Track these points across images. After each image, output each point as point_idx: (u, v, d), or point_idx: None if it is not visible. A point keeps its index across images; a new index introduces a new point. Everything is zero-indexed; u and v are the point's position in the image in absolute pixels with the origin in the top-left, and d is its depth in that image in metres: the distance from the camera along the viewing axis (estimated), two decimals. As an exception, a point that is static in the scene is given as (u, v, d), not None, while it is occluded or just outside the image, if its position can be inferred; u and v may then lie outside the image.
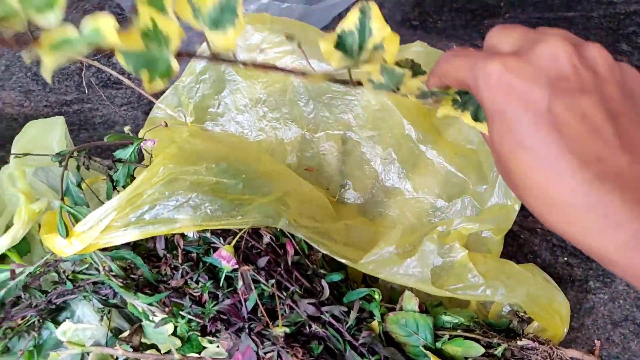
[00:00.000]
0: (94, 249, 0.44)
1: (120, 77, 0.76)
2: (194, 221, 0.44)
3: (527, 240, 0.68)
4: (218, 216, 0.44)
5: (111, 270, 0.48)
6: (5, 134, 0.78)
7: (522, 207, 0.59)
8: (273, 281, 0.46)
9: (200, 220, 0.44)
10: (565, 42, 0.27)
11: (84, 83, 0.80)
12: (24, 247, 0.54)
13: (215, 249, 0.49)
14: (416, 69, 0.35)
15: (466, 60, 0.30)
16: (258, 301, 0.45)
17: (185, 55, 0.31)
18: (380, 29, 0.34)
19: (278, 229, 0.50)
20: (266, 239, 0.50)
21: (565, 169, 0.26)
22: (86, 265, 0.51)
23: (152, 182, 0.44)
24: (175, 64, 0.30)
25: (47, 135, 0.55)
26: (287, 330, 0.44)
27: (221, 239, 0.48)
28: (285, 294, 0.47)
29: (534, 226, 0.69)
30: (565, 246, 0.68)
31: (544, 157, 0.26)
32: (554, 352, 0.49)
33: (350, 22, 0.34)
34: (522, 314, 0.51)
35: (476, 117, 0.33)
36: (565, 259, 0.67)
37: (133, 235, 0.43)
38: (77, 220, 0.45)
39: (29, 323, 0.49)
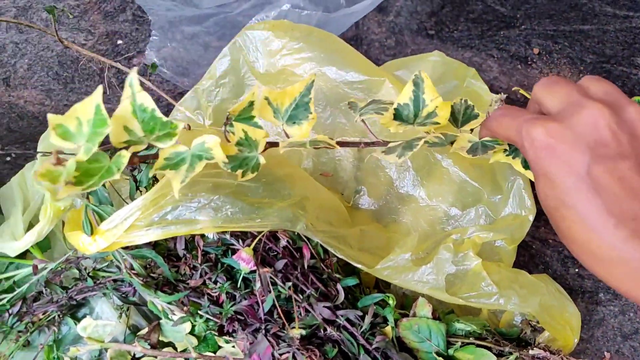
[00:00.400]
0: (117, 247, 0.45)
1: (142, 78, 0.77)
2: (214, 223, 0.45)
3: (539, 250, 0.69)
4: (238, 218, 0.45)
5: (132, 269, 0.49)
6: (26, 132, 0.80)
7: (535, 218, 0.60)
8: (290, 284, 0.47)
9: (221, 222, 0.45)
10: (604, 109, 0.30)
11: (105, 83, 0.81)
12: (45, 244, 0.55)
13: (234, 251, 0.50)
14: (469, 111, 0.39)
15: (513, 121, 0.33)
16: (275, 302, 0.46)
17: (269, 146, 0.38)
18: (432, 100, 0.38)
19: (295, 233, 0.51)
20: (283, 242, 0.51)
21: (604, 227, 0.29)
22: (107, 263, 0.52)
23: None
24: (262, 160, 0.37)
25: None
26: (303, 332, 0.45)
27: (240, 240, 0.49)
28: (301, 296, 0.48)
29: (545, 237, 0.69)
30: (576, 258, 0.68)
31: (585, 216, 0.29)
32: (564, 362, 0.50)
33: (405, 96, 0.39)
34: (535, 323, 0.52)
35: (526, 166, 0.37)
36: (576, 270, 0.67)
37: (156, 234, 0.44)
38: (101, 218, 0.46)
39: (49, 318, 0.51)
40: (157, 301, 0.47)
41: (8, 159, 0.76)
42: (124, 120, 0.34)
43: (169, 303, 0.47)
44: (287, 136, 0.37)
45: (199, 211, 0.45)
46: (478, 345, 0.50)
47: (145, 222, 0.45)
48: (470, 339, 0.50)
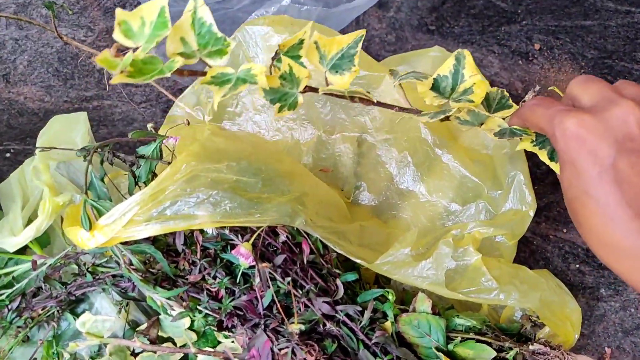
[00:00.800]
0: (115, 242, 0.45)
1: (141, 74, 0.77)
2: (213, 218, 0.45)
3: (540, 246, 0.68)
4: (237, 214, 0.45)
5: (131, 264, 0.49)
6: (26, 128, 0.80)
7: (536, 214, 0.60)
8: (289, 279, 0.47)
9: (220, 217, 0.45)
10: (636, 108, 0.32)
11: (105, 80, 0.81)
12: (44, 239, 0.55)
13: (233, 246, 0.50)
14: (504, 101, 0.41)
15: (547, 111, 0.35)
16: (274, 298, 0.46)
17: (308, 89, 0.39)
18: (471, 76, 0.39)
19: (294, 228, 0.51)
20: (282, 237, 0.51)
21: (621, 218, 0.30)
22: (106, 259, 0.52)
23: (174, 179, 0.45)
24: (301, 99, 0.38)
25: (70, 131, 0.56)
26: (302, 327, 0.45)
27: (239, 236, 0.49)
28: (300, 292, 0.48)
29: (546, 233, 0.69)
30: (577, 253, 0.68)
31: (605, 206, 0.31)
32: (565, 357, 0.50)
33: (445, 68, 0.40)
34: (535, 318, 0.52)
35: (551, 157, 0.38)
36: (577, 266, 0.67)
37: (154, 229, 0.44)
38: (100, 213, 0.46)
39: (48, 313, 0.51)
40: (156, 296, 0.47)
41: (8, 155, 0.76)
42: (182, 32, 0.36)
43: (168, 298, 0.47)
44: (327, 84, 0.38)
45: (198, 206, 0.45)
46: (478, 341, 0.49)
47: (144, 217, 0.45)
48: (470, 334, 0.50)
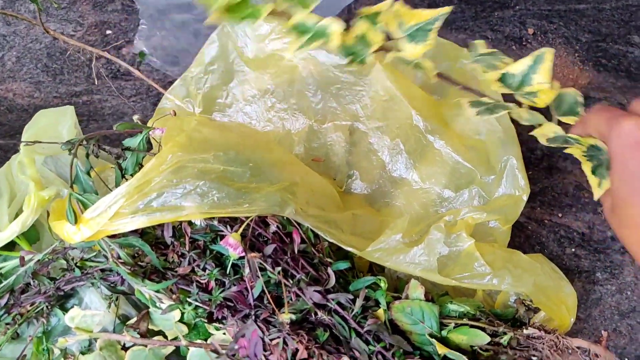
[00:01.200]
0: (102, 235, 0.44)
1: (130, 68, 0.76)
2: (200, 209, 0.44)
3: (535, 231, 0.68)
4: (225, 204, 0.45)
5: (119, 258, 0.48)
6: (16, 125, 0.79)
7: (530, 199, 0.59)
8: (279, 269, 0.47)
9: (208, 207, 0.44)
10: None
11: (94, 74, 0.80)
12: (32, 235, 0.54)
13: (223, 237, 0.49)
14: (575, 107, 0.42)
15: (609, 113, 0.36)
16: (264, 288, 0.45)
17: (379, 50, 0.41)
18: (539, 83, 0.40)
19: (285, 218, 0.50)
20: (273, 227, 0.50)
21: None
22: (94, 253, 0.51)
23: (160, 170, 0.45)
24: (371, 59, 0.41)
25: (57, 124, 0.55)
26: (293, 317, 0.45)
27: (228, 227, 0.48)
28: (291, 281, 0.47)
29: (541, 217, 0.69)
30: (572, 237, 0.67)
31: None
32: (560, 341, 0.49)
33: (517, 67, 0.40)
34: (529, 302, 0.51)
35: (594, 172, 0.38)
36: (573, 250, 0.67)
37: (141, 222, 0.44)
38: (86, 207, 0.45)
39: (37, 309, 0.50)
40: (145, 289, 0.46)
41: (-2, 152, 0.75)
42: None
43: (157, 291, 0.47)
44: (398, 50, 0.39)
45: (185, 197, 0.44)
46: (472, 326, 0.49)
47: (130, 210, 0.44)
48: (464, 320, 0.50)
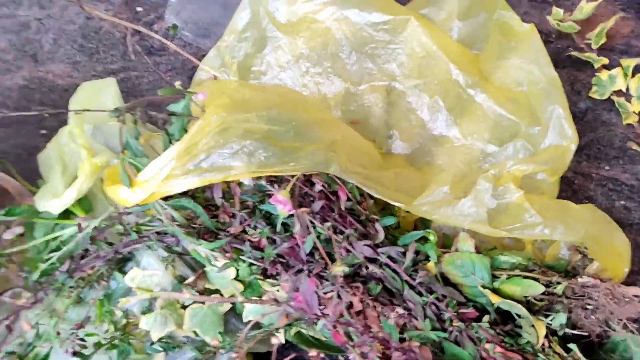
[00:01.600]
0: (156, 197, 0.46)
1: (164, 40, 0.77)
2: (248, 168, 0.45)
3: (582, 185, 0.66)
4: (271, 163, 0.45)
5: (174, 220, 0.49)
6: (58, 104, 0.81)
7: (575, 153, 0.58)
8: (328, 224, 0.47)
9: (255, 167, 0.45)
10: None
11: (130, 50, 0.81)
12: (87, 205, 0.56)
13: (271, 198, 0.50)
14: None
15: None
16: (317, 243, 0.46)
17: None
18: None
19: (329, 177, 0.51)
20: (318, 186, 0.50)
21: None
22: (148, 218, 0.53)
23: (206, 131, 0.45)
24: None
25: (100, 95, 0.56)
26: (346, 269, 0.45)
27: (276, 185, 0.48)
28: (340, 237, 0.48)
29: (588, 171, 0.67)
30: (621, 190, 0.66)
31: None
32: (614, 289, 0.49)
33: None
34: (584, 249, 0.50)
35: None
36: (623, 202, 0.65)
37: (192, 182, 0.44)
38: (138, 171, 0.46)
39: (98, 273, 0.52)
40: (200, 248, 0.47)
41: (43, 132, 0.78)
42: None
43: (212, 250, 0.48)
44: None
45: (233, 157, 0.45)
46: (524, 277, 0.49)
47: (181, 171, 0.45)
48: (516, 271, 0.49)
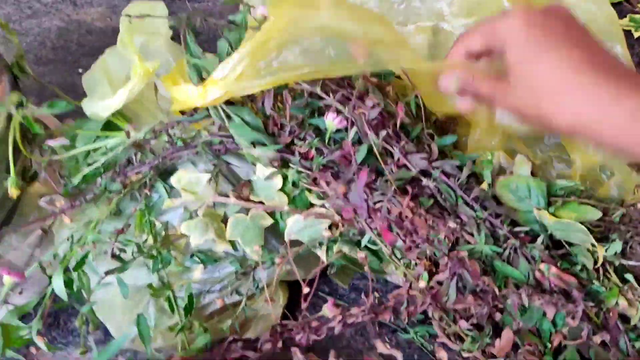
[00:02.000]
0: (228, 97, 0.44)
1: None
2: (319, 67, 0.44)
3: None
4: (342, 60, 0.44)
5: (221, 129, 0.48)
6: (96, 45, 0.81)
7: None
8: (384, 132, 0.46)
9: (327, 64, 0.44)
10: None
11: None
12: (128, 119, 0.55)
13: (321, 114, 0.49)
14: None
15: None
16: (375, 149, 0.45)
17: None
18: None
19: (384, 98, 0.50)
20: (370, 102, 0.49)
21: None
22: (194, 133, 0.52)
23: (276, 29, 0.44)
24: None
25: (151, 13, 0.56)
26: (401, 174, 0.44)
27: (331, 94, 0.47)
28: (394, 149, 0.47)
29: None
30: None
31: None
32: (676, 217, 0.47)
33: None
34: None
35: None
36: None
37: (266, 81, 0.43)
38: (199, 72, 0.45)
39: (141, 182, 0.51)
40: (253, 150, 0.46)
41: (80, 70, 0.77)
42: None
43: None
44: None
45: (303, 55, 0.44)
46: (581, 203, 0.47)
47: (253, 71, 0.44)
48: (572, 198, 0.48)
